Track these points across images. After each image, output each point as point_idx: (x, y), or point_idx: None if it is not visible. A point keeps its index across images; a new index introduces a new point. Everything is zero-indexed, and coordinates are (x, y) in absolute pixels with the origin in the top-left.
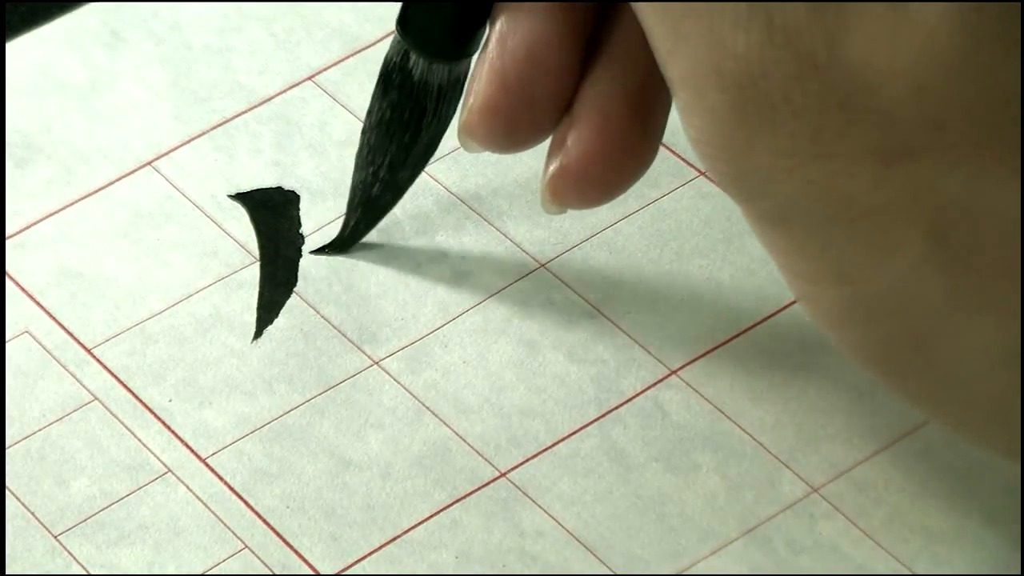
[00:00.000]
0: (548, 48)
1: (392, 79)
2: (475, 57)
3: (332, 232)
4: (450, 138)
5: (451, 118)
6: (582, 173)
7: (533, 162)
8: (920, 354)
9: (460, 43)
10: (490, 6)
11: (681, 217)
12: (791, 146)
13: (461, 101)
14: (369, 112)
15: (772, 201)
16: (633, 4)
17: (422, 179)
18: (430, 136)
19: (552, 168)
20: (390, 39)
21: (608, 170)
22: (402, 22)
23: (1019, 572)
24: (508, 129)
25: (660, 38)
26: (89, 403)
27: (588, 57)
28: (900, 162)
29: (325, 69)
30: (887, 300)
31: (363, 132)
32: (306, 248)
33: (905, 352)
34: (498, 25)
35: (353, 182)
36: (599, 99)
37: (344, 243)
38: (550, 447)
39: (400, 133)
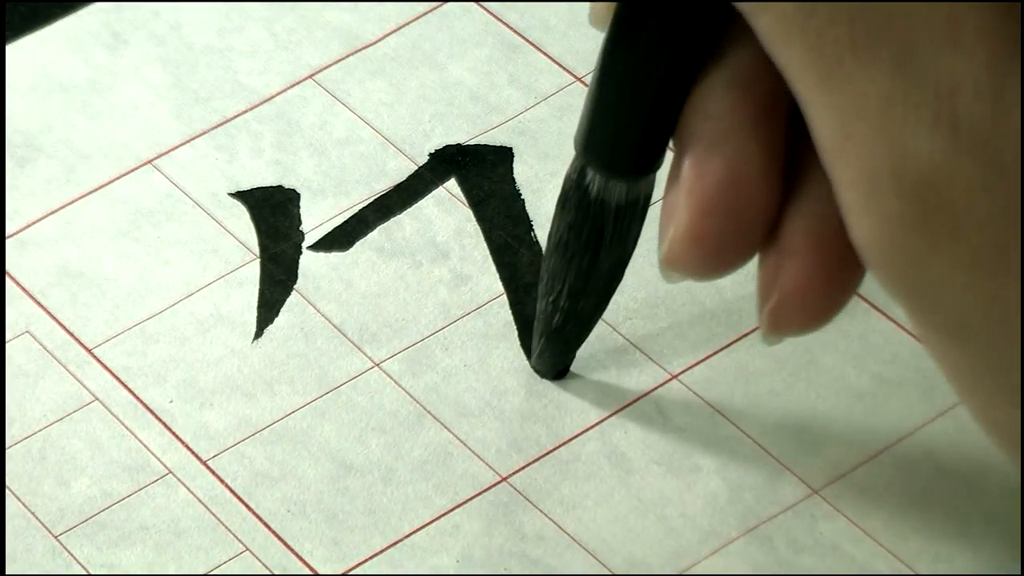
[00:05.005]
0: (749, 169)
1: (569, 198)
2: (654, 180)
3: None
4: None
5: (631, 243)
6: (802, 304)
7: (536, 162)
8: None
9: (640, 159)
10: (674, 122)
11: None
12: (971, 259)
13: (659, 233)
14: (549, 236)
15: (947, 315)
16: (798, 97)
17: (424, 180)
18: (611, 261)
19: (770, 303)
20: (390, 38)
21: (828, 296)
22: (579, 137)
23: (1019, 572)
24: (714, 255)
25: (827, 135)
26: (90, 403)
27: (788, 178)
28: None
29: (325, 68)
30: None
31: (543, 259)
32: (306, 245)
33: None
34: (691, 149)
35: (537, 312)
36: (810, 226)
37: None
38: (551, 451)
39: (579, 256)
